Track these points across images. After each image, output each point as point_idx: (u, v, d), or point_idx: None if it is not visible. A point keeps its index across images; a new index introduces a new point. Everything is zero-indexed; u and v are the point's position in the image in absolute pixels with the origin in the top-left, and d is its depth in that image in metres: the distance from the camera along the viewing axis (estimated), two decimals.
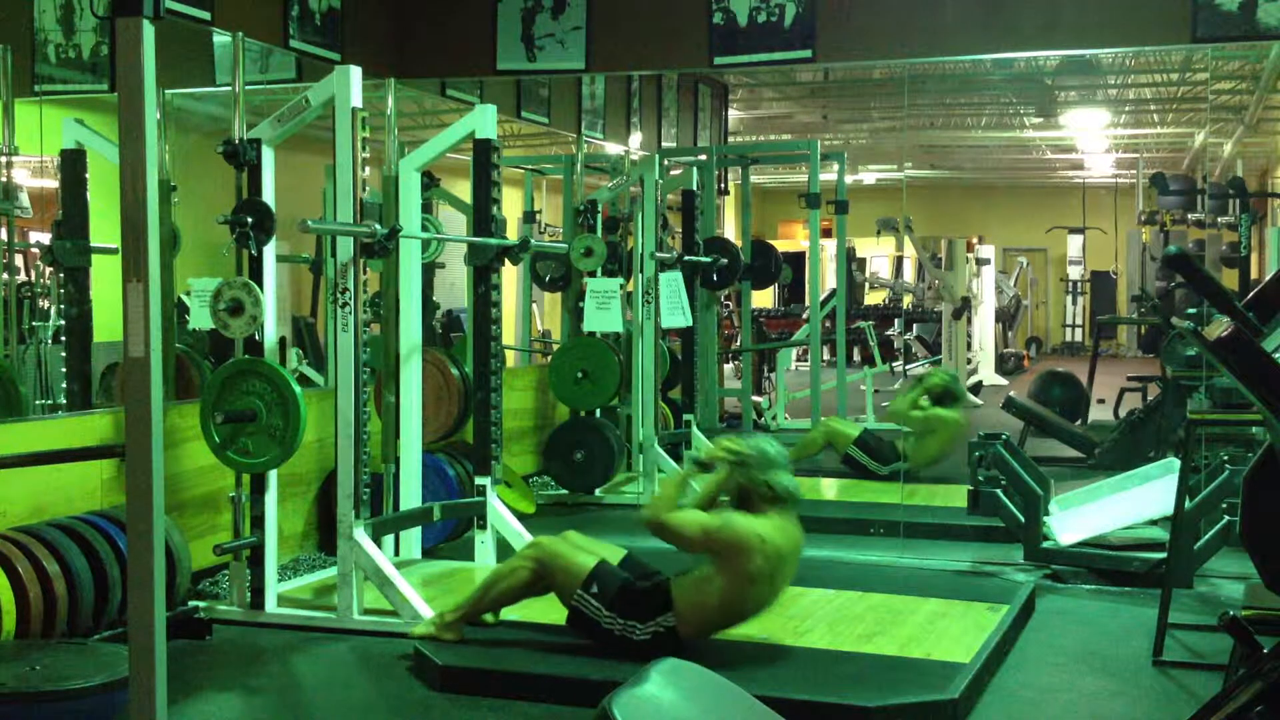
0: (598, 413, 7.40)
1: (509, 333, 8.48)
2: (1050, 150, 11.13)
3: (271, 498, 4.82)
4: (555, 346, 8.31)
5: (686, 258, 7.95)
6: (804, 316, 10.32)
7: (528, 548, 4.48)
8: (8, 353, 5.23)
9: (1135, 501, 5.84)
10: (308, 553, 5.89)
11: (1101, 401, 9.33)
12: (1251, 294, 2.94)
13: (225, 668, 4.38)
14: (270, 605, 4.83)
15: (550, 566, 4.29)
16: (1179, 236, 9.46)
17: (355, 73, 4.79)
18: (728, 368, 10.64)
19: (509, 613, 4.56)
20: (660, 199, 7.58)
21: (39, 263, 5.35)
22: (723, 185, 9.61)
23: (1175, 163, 10.55)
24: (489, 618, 4.51)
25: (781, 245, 10.27)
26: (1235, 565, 5.42)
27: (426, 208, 6.55)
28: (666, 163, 8.47)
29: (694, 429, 7.99)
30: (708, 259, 8.33)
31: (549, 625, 4.42)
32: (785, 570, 4.16)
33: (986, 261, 11.26)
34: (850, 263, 10.53)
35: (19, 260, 5.36)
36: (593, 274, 7.13)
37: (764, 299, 11.33)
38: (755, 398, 9.79)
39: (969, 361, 10.77)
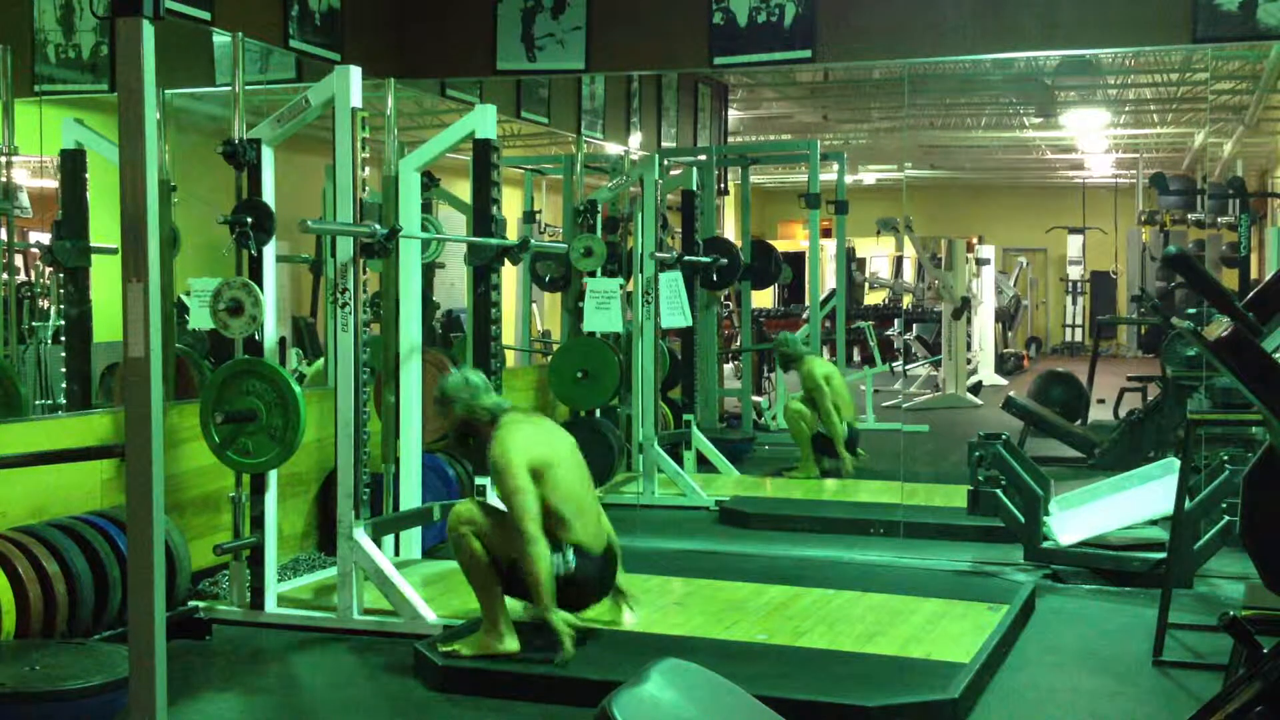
0: (598, 413, 7.39)
1: (509, 333, 8.47)
2: (1050, 150, 11.12)
3: (271, 498, 4.82)
4: (555, 346, 8.31)
5: (686, 258, 7.95)
6: (804, 316, 10.31)
7: (459, 525, 4.24)
8: (8, 353, 5.23)
9: (1135, 501, 5.84)
10: (308, 553, 5.89)
11: (1101, 401, 9.32)
12: (1251, 294, 2.92)
13: (225, 668, 4.38)
14: (270, 605, 4.83)
15: (483, 529, 4.22)
16: (1179, 236, 9.46)
17: (355, 73, 4.79)
18: (728, 368, 10.63)
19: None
20: (660, 199, 7.57)
21: (39, 263, 5.35)
22: (723, 185, 9.60)
23: (1175, 163, 10.54)
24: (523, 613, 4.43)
25: (781, 245, 10.25)
26: (1235, 565, 5.42)
27: (426, 208, 6.55)
28: (666, 163, 8.46)
29: (694, 429, 7.99)
30: (708, 259, 8.33)
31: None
32: (558, 443, 4.32)
33: (986, 261, 11.25)
34: (850, 263, 10.52)
35: (19, 260, 5.36)
36: (592, 274, 7.13)
37: (764, 299, 11.30)
38: (755, 398, 9.78)
39: (969, 361, 10.76)
